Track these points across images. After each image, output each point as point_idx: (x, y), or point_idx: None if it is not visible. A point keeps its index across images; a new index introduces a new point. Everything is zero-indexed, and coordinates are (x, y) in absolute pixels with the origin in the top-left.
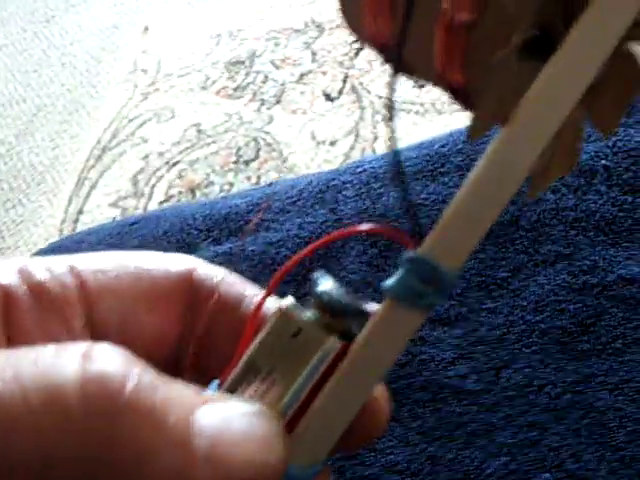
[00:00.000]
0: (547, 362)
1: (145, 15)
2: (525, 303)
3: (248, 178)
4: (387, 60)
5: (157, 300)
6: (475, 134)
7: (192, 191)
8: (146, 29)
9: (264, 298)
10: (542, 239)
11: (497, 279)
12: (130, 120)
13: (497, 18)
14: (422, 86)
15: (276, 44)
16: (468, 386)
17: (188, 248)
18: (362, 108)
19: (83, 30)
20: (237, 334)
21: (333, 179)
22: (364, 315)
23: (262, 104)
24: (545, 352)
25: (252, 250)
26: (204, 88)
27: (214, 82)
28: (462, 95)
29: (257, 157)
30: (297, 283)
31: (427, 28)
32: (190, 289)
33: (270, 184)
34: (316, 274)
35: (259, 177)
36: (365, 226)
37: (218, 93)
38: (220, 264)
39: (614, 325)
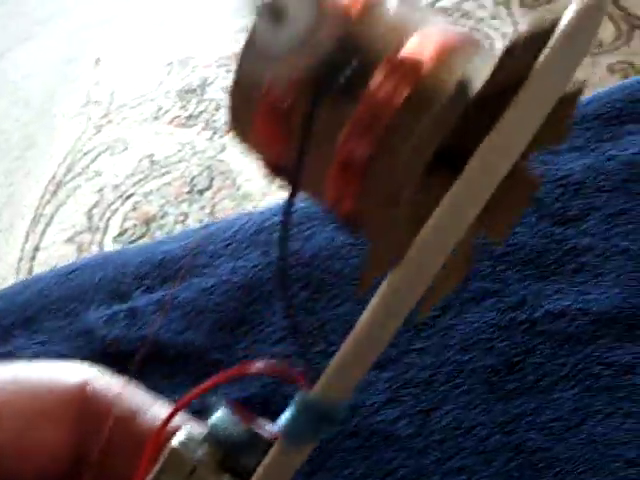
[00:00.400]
0: (476, 403)
1: (97, 46)
2: (453, 342)
3: (202, 208)
4: (282, 180)
5: (53, 416)
6: (365, 286)
7: (147, 223)
8: (98, 61)
9: (159, 432)
10: (470, 275)
11: (426, 318)
12: (84, 153)
13: (390, 162)
14: None
15: (227, 71)
16: (398, 431)
17: (122, 297)
18: None
19: (36, 64)
20: (133, 455)
21: (267, 219)
22: (258, 445)
23: (215, 132)
24: (474, 392)
25: (184, 297)
26: (157, 118)
27: (167, 112)
28: (353, 223)
29: (211, 186)
30: (229, 329)
31: (321, 160)
32: (85, 404)
33: (206, 226)
34: (214, 399)
35: (214, 206)
36: (258, 365)
37: (171, 122)
38: (153, 312)
39: (541, 362)
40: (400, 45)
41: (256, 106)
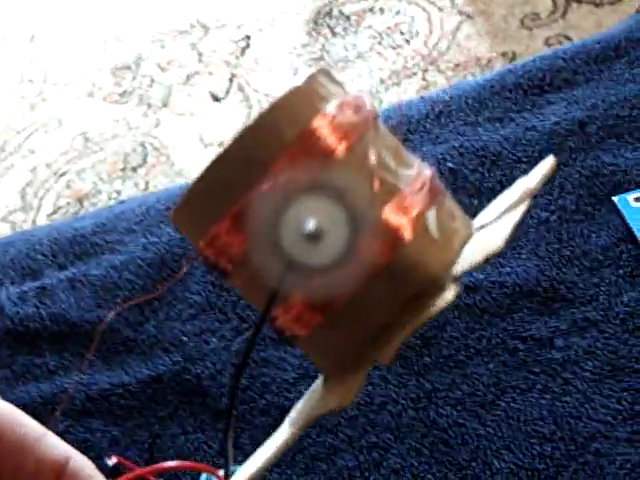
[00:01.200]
0: (389, 378)
1: (31, 24)
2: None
3: (136, 184)
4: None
5: None
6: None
7: (80, 201)
8: (32, 38)
9: None
10: None
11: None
12: (18, 132)
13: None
14: None
15: (162, 46)
16: None
17: (33, 275)
18: (249, 107)
19: None
20: None
21: (180, 194)
22: None
23: (149, 108)
24: (387, 368)
25: (95, 275)
26: (91, 95)
27: (100, 88)
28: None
29: (145, 163)
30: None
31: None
32: None
33: (122, 202)
34: None
35: (147, 183)
36: (171, 463)
37: (105, 99)
38: (64, 290)
39: (456, 337)
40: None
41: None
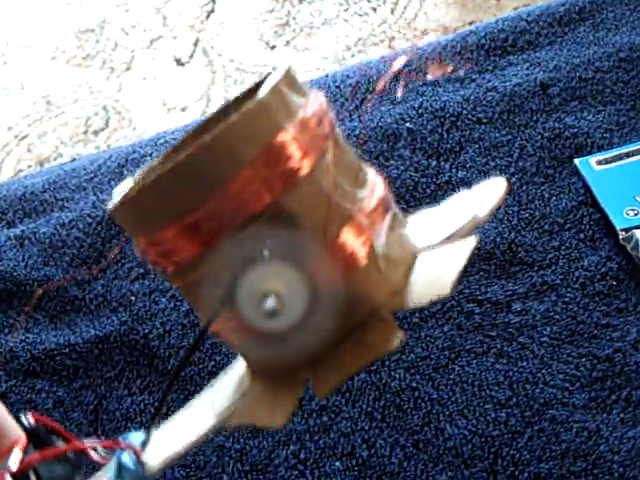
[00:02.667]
0: None
1: None
2: None
3: (97, 148)
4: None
5: None
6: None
7: (41, 165)
8: None
9: None
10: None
11: None
12: None
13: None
14: None
15: (126, 10)
16: None
17: None
18: (213, 72)
19: None
20: None
21: (133, 152)
22: None
23: (112, 72)
24: None
25: (44, 232)
26: (53, 58)
27: (64, 52)
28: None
29: (107, 127)
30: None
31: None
32: None
33: (73, 159)
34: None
35: (109, 146)
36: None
37: (68, 63)
38: (12, 248)
39: None
40: None
41: None
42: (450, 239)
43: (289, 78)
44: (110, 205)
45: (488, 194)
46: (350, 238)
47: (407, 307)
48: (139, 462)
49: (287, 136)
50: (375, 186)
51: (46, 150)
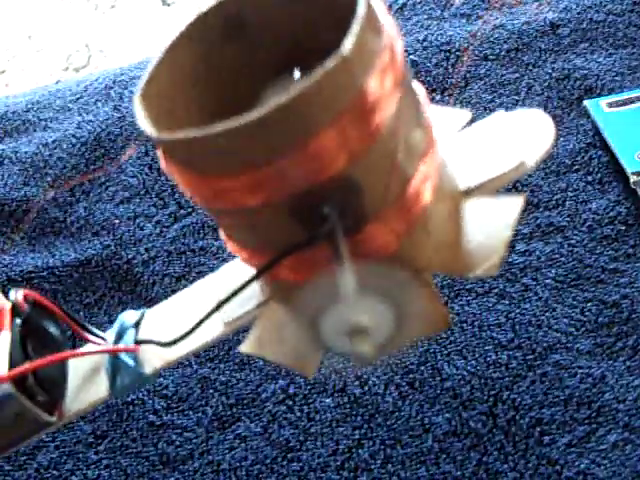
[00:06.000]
0: None
1: None
2: None
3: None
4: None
5: None
6: None
7: None
8: None
9: None
10: None
11: None
12: None
13: None
14: None
15: None
16: None
17: None
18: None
19: None
20: None
21: (122, 74)
22: None
23: (96, 9)
24: None
25: (25, 152)
26: None
27: None
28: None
29: (88, 64)
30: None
31: None
32: None
33: (57, 81)
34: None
35: None
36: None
37: None
38: None
39: None
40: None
41: None
42: (491, 184)
43: (370, 17)
44: (158, 134)
45: (535, 134)
46: (409, 201)
47: (453, 270)
48: (137, 361)
49: (370, 90)
50: (427, 122)
51: (25, 85)
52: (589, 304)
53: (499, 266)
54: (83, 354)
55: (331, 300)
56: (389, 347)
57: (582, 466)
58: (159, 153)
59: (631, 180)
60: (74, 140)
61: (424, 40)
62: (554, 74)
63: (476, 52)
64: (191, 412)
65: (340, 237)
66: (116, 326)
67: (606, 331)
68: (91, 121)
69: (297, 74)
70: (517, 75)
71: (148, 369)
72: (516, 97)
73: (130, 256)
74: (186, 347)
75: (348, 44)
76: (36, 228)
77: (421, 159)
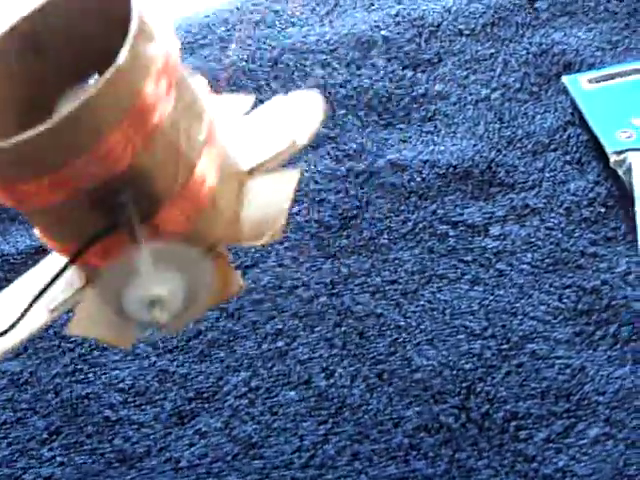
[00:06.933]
0: (300, 260)
1: None
2: None
3: None
4: None
5: None
6: None
7: None
8: None
9: None
10: None
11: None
12: None
13: None
14: None
15: None
16: None
17: None
18: None
19: None
20: None
21: None
22: None
23: None
24: (299, 249)
25: None
26: None
27: None
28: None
29: None
30: None
31: None
32: None
33: None
34: None
35: None
36: None
37: None
38: None
39: (380, 218)
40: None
41: None
42: (270, 163)
43: (143, 29)
44: None
45: (306, 114)
46: (195, 185)
47: (242, 240)
48: None
49: (147, 94)
50: (206, 114)
51: None
52: (567, 290)
53: (280, 232)
54: None
55: (130, 277)
56: (186, 315)
57: (561, 463)
58: None
59: (611, 160)
60: None
61: (396, 15)
62: (531, 49)
63: (450, 27)
64: (148, 407)
65: (135, 220)
66: None
67: (585, 319)
68: None
69: (93, 80)
70: (493, 51)
71: None
72: (491, 73)
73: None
74: (13, 338)
75: (123, 56)
76: None
77: (203, 147)
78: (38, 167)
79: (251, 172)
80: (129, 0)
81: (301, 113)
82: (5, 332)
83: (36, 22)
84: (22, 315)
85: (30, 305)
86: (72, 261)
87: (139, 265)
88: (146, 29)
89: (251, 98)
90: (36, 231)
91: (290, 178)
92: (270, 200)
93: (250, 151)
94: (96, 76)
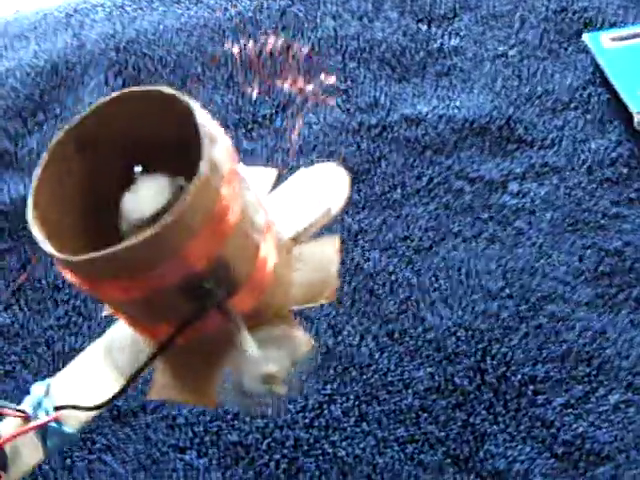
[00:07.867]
0: None
1: None
2: (289, 145)
3: None
4: None
5: None
6: None
7: None
8: None
9: None
10: (316, 69)
11: (259, 116)
12: None
13: None
14: None
15: None
16: None
17: None
18: None
19: None
20: None
21: (84, 2)
22: None
23: None
24: None
25: None
26: None
27: None
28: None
29: None
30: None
31: None
32: None
33: (16, 10)
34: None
35: None
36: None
37: None
38: None
39: (392, 173)
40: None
41: None
42: (309, 230)
43: (209, 133)
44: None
45: (333, 186)
46: (261, 265)
47: (299, 304)
48: (59, 423)
49: (224, 197)
50: (257, 196)
51: None
52: (588, 251)
53: (334, 295)
54: (19, 434)
55: (242, 363)
56: (294, 382)
57: (580, 429)
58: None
59: (635, 120)
60: (29, 69)
61: None
62: (551, 6)
63: None
64: None
65: (231, 308)
66: (30, 399)
67: (607, 281)
68: (49, 50)
69: (137, 169)
70: (510, 7)
71: (71, 428)
72: (509, 30)
73: None
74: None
75: (204, 166)
76: None
77: (265, 229)
78: (126, 271)
79: (294, 240)
80: (188, 104)
81: (328, 185)
82: (100, 407)
83: (91, 123)
84: (121, 392)
85: (127, 384)
86: (165, 347)
87: (246, 349)
88: (208, 132)
89: (274, 171)
90: (108, 308)
91: (332, 243)
92: (318, 265)
93: (288, 221)
94: (139, 167)
